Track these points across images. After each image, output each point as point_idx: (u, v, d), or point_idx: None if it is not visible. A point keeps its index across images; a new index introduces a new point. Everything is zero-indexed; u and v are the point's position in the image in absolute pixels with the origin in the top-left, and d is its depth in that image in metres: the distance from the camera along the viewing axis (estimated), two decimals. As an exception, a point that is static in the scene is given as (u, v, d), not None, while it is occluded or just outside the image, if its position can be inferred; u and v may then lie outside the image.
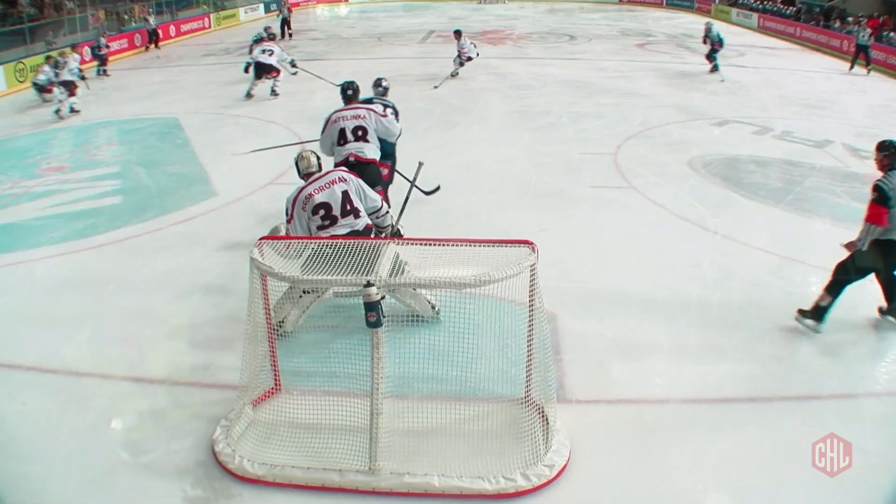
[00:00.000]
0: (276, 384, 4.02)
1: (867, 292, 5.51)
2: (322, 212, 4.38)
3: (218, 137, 9.97)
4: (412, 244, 3.72)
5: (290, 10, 21.82)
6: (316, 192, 4.42)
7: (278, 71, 12.17)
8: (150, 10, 20.95)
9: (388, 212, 4.72)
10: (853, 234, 6.59)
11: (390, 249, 3.60)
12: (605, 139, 9.55)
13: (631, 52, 18.01)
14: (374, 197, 4.62)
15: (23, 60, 14.56)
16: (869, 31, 15.29)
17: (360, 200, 4.52)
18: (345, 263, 3.48)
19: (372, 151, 5.63)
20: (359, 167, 5.39)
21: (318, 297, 4.32)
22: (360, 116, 5.64)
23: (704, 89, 13.17)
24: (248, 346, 3.76)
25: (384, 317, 3.34)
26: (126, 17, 20.72)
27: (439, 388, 3.81)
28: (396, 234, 4.77)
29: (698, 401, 4.12)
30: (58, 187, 7.99)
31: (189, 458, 3.63)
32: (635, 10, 29.53)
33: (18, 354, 4.59)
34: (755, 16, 23.52)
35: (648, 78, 14.31)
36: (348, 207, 4.43)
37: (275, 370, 4.00)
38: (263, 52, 12.11)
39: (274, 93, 12.25)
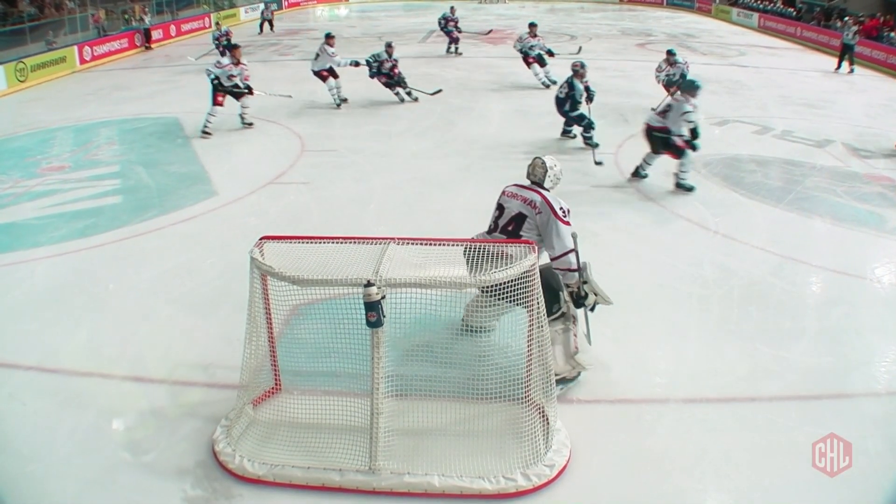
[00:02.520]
0: (276, 384, 4.02)
1: (867, 291, 5.52)
2: (496, 212, 4.24)
3: (218, 137, 9.96)
4: (412, 244, 3.72)
5: (272, 13, 23.18)
6: (509, 193, 4.24)
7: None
8: (147, 9, 20.83)
9: (573, 269, 4.02)
10: (854, 233, 6.62)
11: (391, 249, 3.60)
12: (605, 138, 9.54)
13: (631, 51, 18.00)
14: (558, 246, 3.98)
15: (23, 60, 14.56)
16: (854, 29, 15.26)
17: (531, 233, 4.04)
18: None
19: (661, 123, 7.56)
20: (650, 132, 7.65)
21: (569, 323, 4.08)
22: (676, 99, 7.84)
23: (705, 89, 13.10)
24: (248, 345, 3.76)
25: (384, 316, 3.34)
26: (126, 16, 20.65)
27: (439, 387, 3.81)
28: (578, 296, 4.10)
29: (698, 400, 4.12)
30: (58, 187, 7.99)
31: (189, 457, 3.63)
32: (636, 9, 29.53)
33: (18, 354, 4.59)
34: (756, 15, 23.51)
35: (649, 77, 14.27)
36: (510, 228, 4.11)
37: (275, 370, 4.00)
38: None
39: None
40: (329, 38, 11.33)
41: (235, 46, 10.52)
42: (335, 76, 11.45)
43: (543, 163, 4.29)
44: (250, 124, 10.36)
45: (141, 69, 16.58)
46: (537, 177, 4.26)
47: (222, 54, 14.81)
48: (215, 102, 10.02)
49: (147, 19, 20.08)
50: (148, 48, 19.53)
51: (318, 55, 11.36)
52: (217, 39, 15.80)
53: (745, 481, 3.49)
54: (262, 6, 24.10)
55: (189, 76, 15.13)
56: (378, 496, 3.37)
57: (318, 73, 11.42)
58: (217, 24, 17.92)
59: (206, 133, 9.91)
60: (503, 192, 4.29)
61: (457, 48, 17.10)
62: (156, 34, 20.46)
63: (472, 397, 3.74)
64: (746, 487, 3.46)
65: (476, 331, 3.99)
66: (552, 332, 3.93)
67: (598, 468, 3.55)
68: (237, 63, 10.04)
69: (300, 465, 3.46)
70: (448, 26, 17.01)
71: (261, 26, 22.66)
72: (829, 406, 4.07)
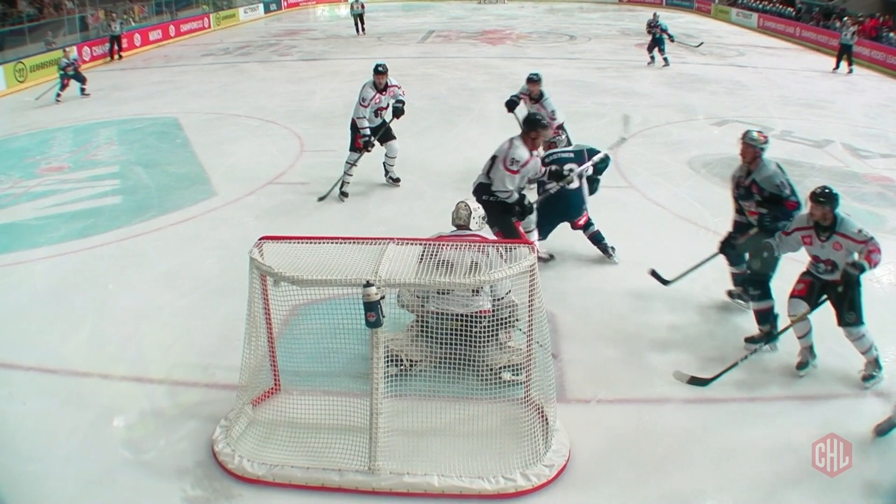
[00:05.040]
0: (275, 384, 4.02)
1: (867, 291, 5.51)
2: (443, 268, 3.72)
3: (217, 137, 9.97)
4: (412, 244, 3.72)
5: (362, 7, 21.55)
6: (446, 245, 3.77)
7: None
8: (115, 14, 19.07)
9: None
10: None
11: (390, 249, 3.60)
12: (604, 139, 9.48)
13: (630, 51, 18.00)
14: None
15: (22, 60, 14.56)
16: (853, 29, 15.26)
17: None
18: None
19: None
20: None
21: None
22: None
23: (704, 89, 13.17)
24: (248, 345, 3.76)
25: (384, 317, 3.34)
26: (126, 16, 20.43)
27: (439, 388, 3.81)
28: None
29: (698, 400, 4.12)
30: (57, 187, 7.99)
31: (189, 457, 3.63)
32: (635, 9, 29.51)
33: (18, 354, 4.59)
34: (755, 16, 23.52)
35: (648, 77, 14.32)
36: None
37: (274, 370, 4.00)
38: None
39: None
40: (377, 73, 7.11)
41: (381, 71, 7.09)
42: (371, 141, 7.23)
43: (467, 205, 4.32)
44: (397, 180, 7.70)
45: (140, 69, 16.59)
46: (462, 220, 4.28)
47: (62, 87, 12.70)
48: (354, 146, 7.30)
49: (116, 26, 17.91)
50: (118, 58, 17.73)
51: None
52: (64, 69, 12.81)
53: (745, 481, 3.49)
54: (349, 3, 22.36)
55: (189, 76, 15.15)
56: (377, 496, 3.37)
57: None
58: (64, 50, 13.80)
59: (343, 194, 7.38)
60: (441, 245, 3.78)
61: (665, 58, 15.27)
62: (154, 34, 20.43)
63: (472, 397, 3.75)
64: (746, 487, 3.46)
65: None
66: None
67: (598, 468, 3.55)
68: (385, 89, 7.14)
69: (300, 466, 3.46)
70: (658, 32, 15.40)
71: (356, 27, 21.56)
72: (829, 406, 4.07)
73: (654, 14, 16.21)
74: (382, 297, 3.32)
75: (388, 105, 7.20)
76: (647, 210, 7.06)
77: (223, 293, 5.26)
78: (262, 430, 3.75)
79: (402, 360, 3.97)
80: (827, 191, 4.03)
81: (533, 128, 5.14)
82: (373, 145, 7.27)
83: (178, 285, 5.54)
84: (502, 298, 3.97)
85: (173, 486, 3.44)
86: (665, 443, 3.75)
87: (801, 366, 4.34)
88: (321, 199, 7.33)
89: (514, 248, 3.69)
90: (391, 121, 7.31)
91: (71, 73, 12.84)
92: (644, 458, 3.62)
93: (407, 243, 3.72)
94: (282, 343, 4.03)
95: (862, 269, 4.04)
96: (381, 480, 3.39)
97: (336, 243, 3.70)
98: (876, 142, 9.74)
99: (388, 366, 3.63)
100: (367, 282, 3.28)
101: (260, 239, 3.73)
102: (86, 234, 6.60)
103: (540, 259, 5.52)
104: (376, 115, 7.24)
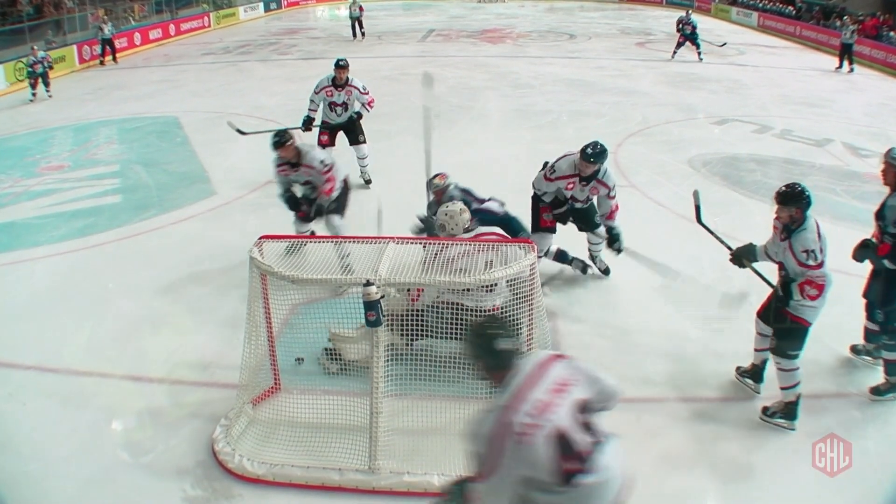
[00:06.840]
0: (275, 383, 4.02)
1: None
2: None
3: (217, 136, 9.94)
4: (412, 244, 3.72)
5: (360, 10, 19.74)
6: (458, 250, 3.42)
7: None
8: (107, 17, 18.02)
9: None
10: (853, 232, 6.59)
11: (389, 248, 3.60)
12: (604, 138, 9.34)
13: (631, 50, 18.00)
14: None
15: (22, 59, 14.53)
16: (852, 28, 15.24)
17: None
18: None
19: None
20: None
21: None
22: None
23: (704, 88, 13.17)
24: (248, 344, 3.76)
25: (384, 316, 3.34)
26: (125, 14, 20.32)
27: (439, 387, 3.81)
28: None
29: (698, 400, 4.12)
30: (57, 186, 7.99)
31: (189, 457, 3.63)
32: (635, 8, 29.52)
33: (18, 354, 4.59)
34: (755, 14, 23.51)
35: (648, 76, 14.30)
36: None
37: (274, 369, 4.00)
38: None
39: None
40: (337, 66, 7.14)
41: (341, 66, 7.09)
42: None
43: (463, 209, 4.32)
44: (368, 181, 7.65)
45: (140, 68, 16.58)
46: (467, 223, 4.28)
47: (33, 86, 12.65)
48: (319, 142, 7.20)
49: (107, 29, 16.86)
50: (114, 60, 16.92)
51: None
52: (31, 66, 12.61)
53: (745, 481, 3.49)
54: (348, 5, 20.35)
55: (189, 75, 15.15)
56: (377, 495, 3.37)
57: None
58: (32, 48, 13.24)
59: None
60: (457, 253, 3.61)
61: (699, 52, 15.73)
62: (154, 33, 20.41)
63: (472, 396, 3.74)
64: (746, 487, 3.46)
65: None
66: None
67: (598, 467, 3.54)
68: (343, 86, 7.12)
69: (300, 465, 3.46)
70: (689, 30, 15.72)
71: (353, 31, 19.85)
72: (829, 406, 4.07)
73: (687, 11, 16.43)
74: (382, 297, 3.31)
75: (343, 103, 7.21)
76: (647, 209, 7.05)
77: (223, 292, 5.26)
78: (263, 429, 3.75)
79: (342, 358, 3.97)
80: (792, 189, 3.52)
81: (581, 155, 4.99)
82: (308, 130, 7.32)
83: (177, 284, 5.54)
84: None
85: (173, 486, 3.45)
86: (664, 443, 3.75)
87: (740, 370, 4.19)
88: (242, 132, 7.56)
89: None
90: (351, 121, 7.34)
91: (40, 72, 12.71)
92: (643, 457, 3.62)
93: (407, 243, 3.72)
94: (282, 342, 4.03)
95: (788, 298, 3.58)
96: (382, 479, 3.39)
97: (336, 242, 3.70)
98: (876, 140, 9.72)
99: (330, 362, 3.94)
100: (368, 281, 3.28)
101: (260, 238, 3.73)
102: (86, 233, 6.60)
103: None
104: (331, 110, 7.27)
